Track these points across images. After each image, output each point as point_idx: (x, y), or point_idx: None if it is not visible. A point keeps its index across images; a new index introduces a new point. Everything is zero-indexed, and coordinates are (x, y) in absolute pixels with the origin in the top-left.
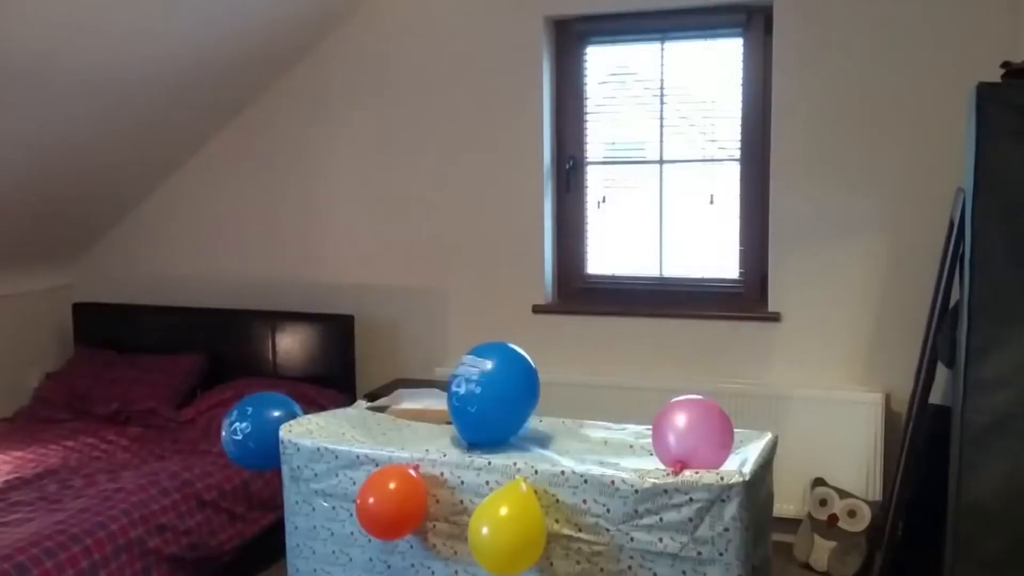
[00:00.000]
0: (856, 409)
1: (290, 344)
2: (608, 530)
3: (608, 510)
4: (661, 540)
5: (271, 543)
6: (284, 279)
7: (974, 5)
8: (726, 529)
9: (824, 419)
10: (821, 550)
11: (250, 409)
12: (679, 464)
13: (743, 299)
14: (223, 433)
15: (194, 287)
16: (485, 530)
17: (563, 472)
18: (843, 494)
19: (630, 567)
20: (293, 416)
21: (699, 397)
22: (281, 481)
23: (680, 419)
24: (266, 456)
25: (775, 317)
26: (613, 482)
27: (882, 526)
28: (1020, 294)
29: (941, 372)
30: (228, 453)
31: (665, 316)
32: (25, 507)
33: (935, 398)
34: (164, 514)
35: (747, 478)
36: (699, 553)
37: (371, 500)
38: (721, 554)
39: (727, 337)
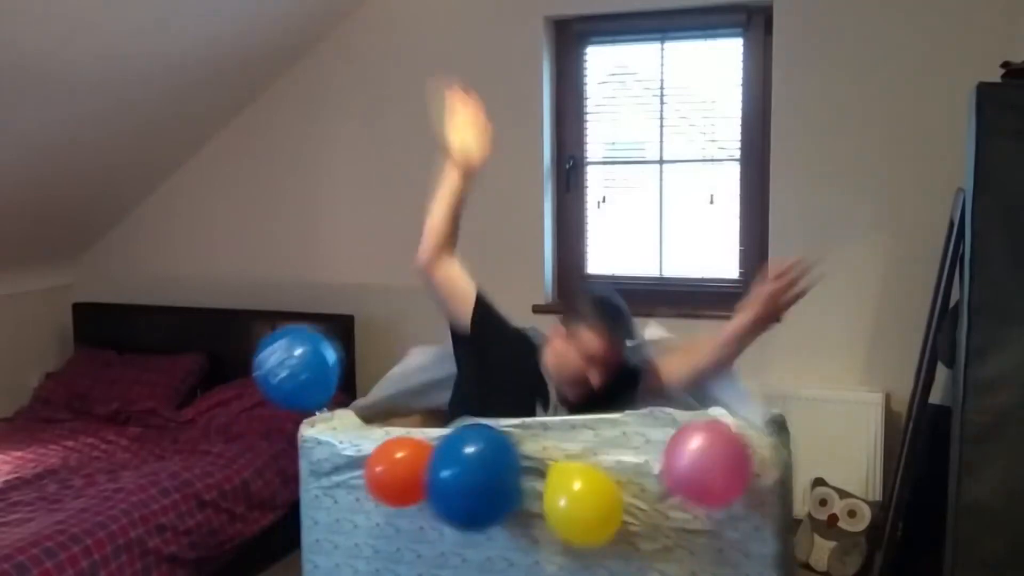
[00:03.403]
0: (856, 409)
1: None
2: (644, 509)
3: (643, 489)
4: (697, 518)
5: (271, 543)
6: (284, 279)
7: (974, 5)
8: (762, 504)
9: (824, 419)
10: (821, 550)
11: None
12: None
13: (743, 299)
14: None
15: (194, 287)
16: (563, 502)
17: (596, 454)
18: (843, 494)
19: (666, 547)
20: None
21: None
22: (280, 481)
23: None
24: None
25: None
26: (647, 461)
27: (882, 526)
28: (1020, 294)
29: (941, 372)
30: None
31: (665, 316)
32: (25, 507)
33: (935, 398)
34: (164, 514)
35: (781, 450)
36: (736, 529)
37: (379, 469)
38: (758, 529)
39: None
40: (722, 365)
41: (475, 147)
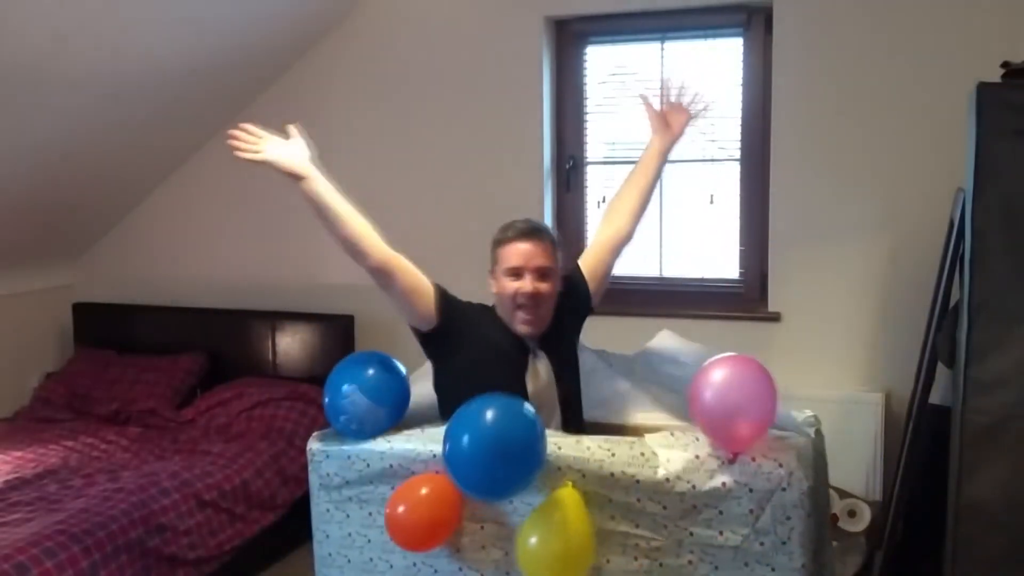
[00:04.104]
0: (856, 409)
1: (290, 344)
2: (666, 526)
3: (664, 507)
4: (722, 533)
5: (271, 543)
6: (284, 279)
7: (974, 5)
8: (788, 517)
9: (824, 419)
10: None
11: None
12: (733, 454)
13: (743, 299)
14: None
15: (194, 287)
16: (533, 541)
17: (612, 475)
18: (843, 494)
19: (690, 561)
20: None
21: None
22: (280, 481)
23: (715, 396)
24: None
25: (775, 317)
26: (668, 480)
27: (882, 526)
28: (1020, 294)
29: (941, 372)
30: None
31: (665, 316)
32: (25, 507)
33: (935, 398)
34: (164, 514)
35: (808, 463)
36: (761, 544)
37: (401, 509)
38: (784, 543)
39: (727, 337)
40: (650, 188)
41: (294, 149)
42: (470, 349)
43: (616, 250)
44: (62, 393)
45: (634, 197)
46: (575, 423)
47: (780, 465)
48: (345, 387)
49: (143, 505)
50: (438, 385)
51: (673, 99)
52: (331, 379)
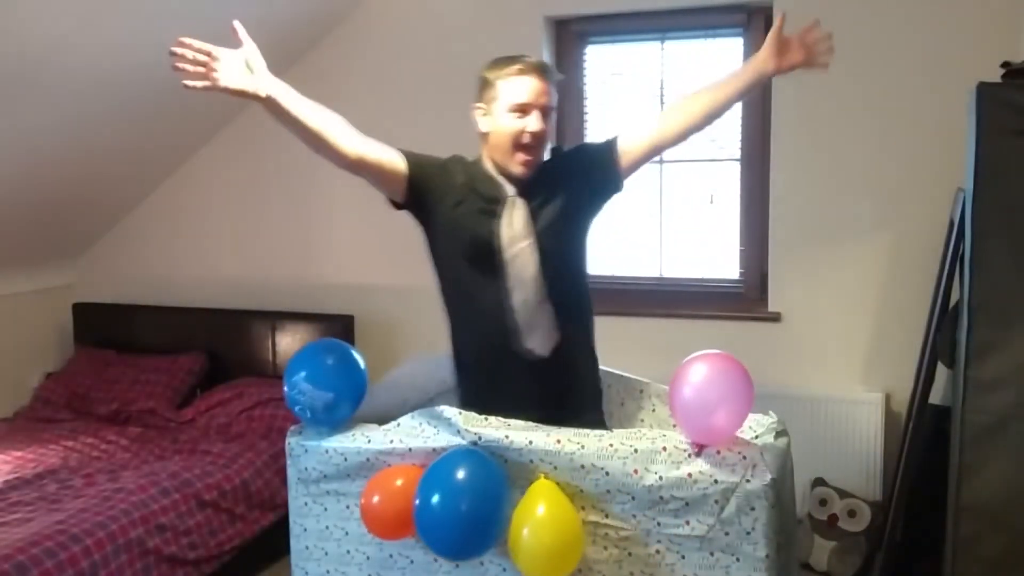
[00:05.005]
0: (856, 409)
1: (290, 344)
2: (635, 516)
3: (633, 498)
4: (688, 523)
5: (271, 543)
6: (284, 279)
7: (974, 5)
8: (752, 508)
9: (824, 419)
10: (821, 550)
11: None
12: (698, 446)
13: (743, 299)
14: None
15: (194, 287)
16: (526, 532)
17: (583, 467)
18: (843, 494)
19: (658, 551)
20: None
21: (715, 357)
22: (280, 481)
23: (696, 391)
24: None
25: (775, 317)
26: (636, 472)
27: (882, 526)
28: (1020, 294)
29: (941, 372)
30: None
31: (665, 316)
32: (25, 507)
33: (935, 398)
34: (164, 514)
35: (772, 454)
36: (726, 534)
37: (376, 499)
38: (748, 533)
39: (727, 337)
40: (722, 107)
41: (248, 63)
42: (444, 208)
43: (657, 150)
44: (62, 393)
45: (701, 107)
46: (558, 286)
47: (744, 457)
48: (292, 378)
49: (143, 505)
50: (429, 249)
51: (808, 36)
52: (284, 372)
